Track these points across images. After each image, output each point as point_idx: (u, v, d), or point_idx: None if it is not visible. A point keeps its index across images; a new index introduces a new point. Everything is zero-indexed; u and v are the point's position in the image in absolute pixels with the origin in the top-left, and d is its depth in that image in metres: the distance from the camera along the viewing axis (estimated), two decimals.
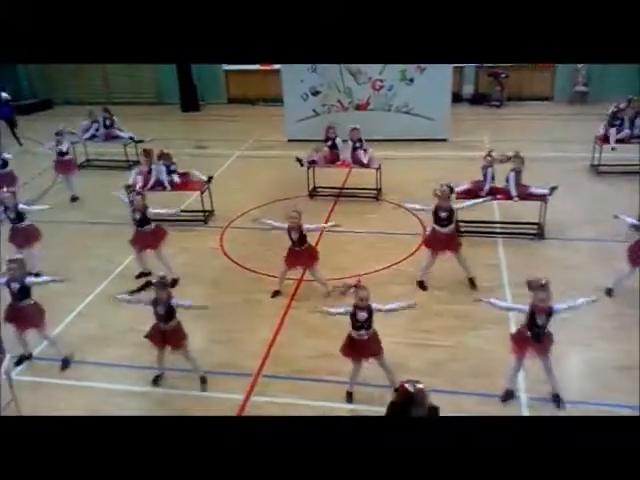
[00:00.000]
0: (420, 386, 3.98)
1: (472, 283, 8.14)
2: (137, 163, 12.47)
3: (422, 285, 8.23)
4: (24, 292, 6.73)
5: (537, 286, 5.61)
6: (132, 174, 10.91)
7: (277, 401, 6.33)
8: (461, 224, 9.56)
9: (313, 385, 6.51)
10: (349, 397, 6.29)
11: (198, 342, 7.23)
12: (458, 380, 6.44)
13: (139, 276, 8.73)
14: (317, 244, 9.13)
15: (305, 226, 7.88)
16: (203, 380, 6.58)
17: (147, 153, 10.76)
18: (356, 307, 5.93)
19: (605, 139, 11.69)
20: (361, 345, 6.07)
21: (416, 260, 8.82)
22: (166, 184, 10.52)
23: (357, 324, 5.98)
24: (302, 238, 7.94)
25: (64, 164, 11.95)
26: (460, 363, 6.70)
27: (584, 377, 6.53)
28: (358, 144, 11.12)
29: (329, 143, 11.35)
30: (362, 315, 5.92)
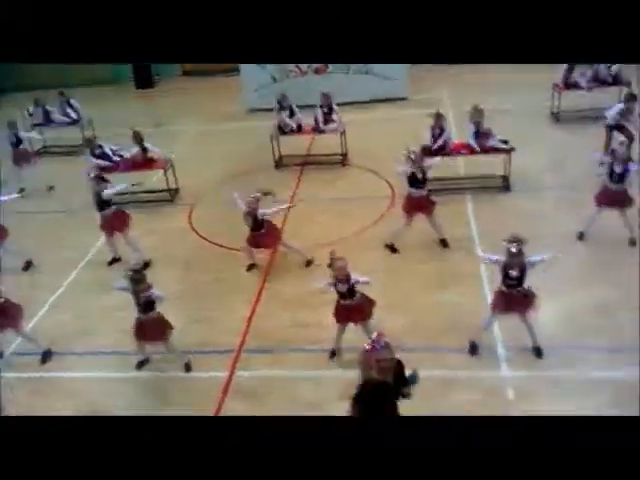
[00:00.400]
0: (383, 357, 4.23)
1: (444, 243, 8.24)
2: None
3: (393, 248, 8.30)
4: None
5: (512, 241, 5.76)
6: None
7: (260, 374, 6.39)
8: (428, 182, 9.61)
9: (295, 355, 6.58)
10: (332, 355, 6.43)
11: (176, 323, 7.18)
12: (435, 337, 6.57)
13: (111, 262, 8.62)
14: (287, 214, 9.09)
15: (260, 211, 7.81)
16: (187, 367, 6.57)
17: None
18: (336, 279, 6.00)
19: (568, 86, 11.71)
20: (349, 310, 6.18)
21: (386, 223, 8.86)
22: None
23: (341, 294, 6.08)
24: (258, 223, 7.87)
25: (21, 154, 11.57)
26: (436, 320, 6.82)
27: (560, 322, 6.70)
28: (327, 109, 11.00)
29: (287, 113, 11.18)
30: (342, 287, 6.02)
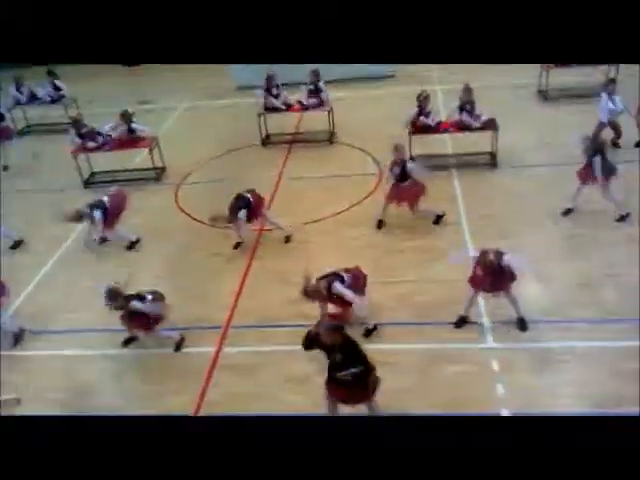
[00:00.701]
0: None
1: (437, 220, 8.22)
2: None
3: (380, 224, 8.31)
4: None
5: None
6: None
7: (249, 350, 6.42)
8: (416, 159, 9.62)
9: (283, 331, 6.60)
10: None
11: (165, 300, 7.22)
12: (423, 312, 6.62)
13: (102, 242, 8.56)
14: (275, 192, 9.08)
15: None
16: (177, 347, 6.56)
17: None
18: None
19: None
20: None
21: (374, 200, 8.86)
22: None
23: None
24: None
25: (3, 130, 11.43)
26: (424, 295, 6.87)
27: (544, 296, 6.76)
28: (314, 87, 10.91)
29: (275, 92, 11.09)
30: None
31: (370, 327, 6.36)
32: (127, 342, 6.68)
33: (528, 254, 7.12)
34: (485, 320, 6.41)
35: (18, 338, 6.92)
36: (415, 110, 9.43)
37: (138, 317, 6.30)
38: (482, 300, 6.51)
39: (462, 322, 6.35)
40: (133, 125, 10.27)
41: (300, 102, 11.04)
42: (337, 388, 5.02)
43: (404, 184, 7.96)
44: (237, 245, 8.22)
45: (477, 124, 9.34)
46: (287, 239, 8.15)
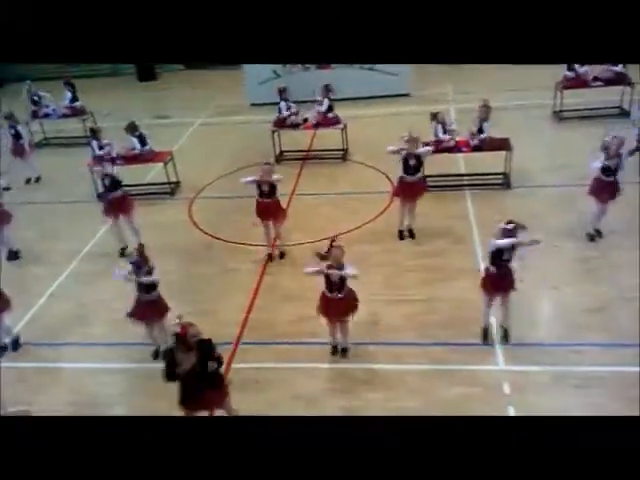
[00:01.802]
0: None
1: (411, 234, 8.38)
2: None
3: (402, 235, 8.42)
4: None
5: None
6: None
7: (258, 367, 6.40)
8: (428, 179, 9.61)
9: (293, 348, 6.59)
10: (334, 350, 6.44)
11: (176, 314, 7.22)
12: (431, 332, 6.58)
13: (122, 254, 8.54)
14: (287, 208, 9.10)
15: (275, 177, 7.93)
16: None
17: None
18: (330, 267, 5.87)
19: (577, 82, 11.65)
20: (335, 305, 6.07)
21: (386, 218, 8.87)
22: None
23: (330, 285, 5.98)
24: (272, 189, 7.99)
25: (20, 146, 11.42)
26: (433, 315, 6.83)
27: (555, 319, 6.72)
28: (326, 105, 10.95)
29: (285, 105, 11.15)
30: (335, 276, 5.87)
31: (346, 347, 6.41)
32: (156, 354, 6.62)
33: (541, 275, 7.10)
34: (497, 341, 6.36)
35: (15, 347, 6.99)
36: (438, 128, 9.43)
37: (151, 306, 6.39)
38: (494, 321, 6.47)
39: (486, 334, 6.35)
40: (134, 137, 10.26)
41: (311, 120, 11.09)
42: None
43: (413, 178, 8.04)
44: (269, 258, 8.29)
45: (476, 141, 9.36)
46: (282, 255, 8.23)
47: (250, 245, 8.47)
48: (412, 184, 8.10)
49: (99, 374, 6.61)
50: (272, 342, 6.70)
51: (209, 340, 5.03)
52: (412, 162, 7.95)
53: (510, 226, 5.81)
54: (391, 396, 4.98)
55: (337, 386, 6.04)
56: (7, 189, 10.83)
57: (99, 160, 9.21)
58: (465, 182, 9.80)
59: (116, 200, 8.51)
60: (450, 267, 7.59)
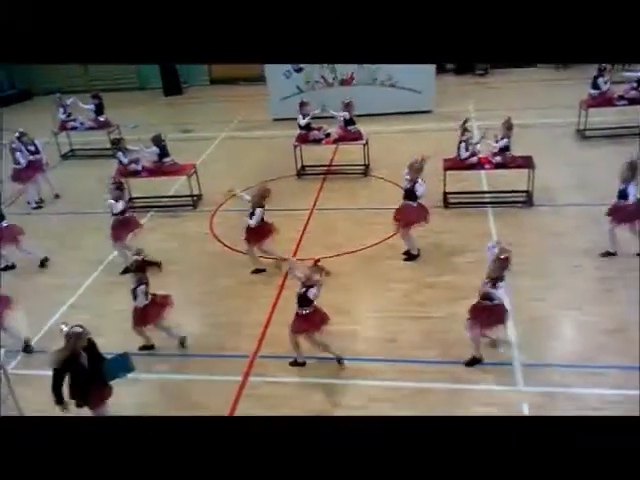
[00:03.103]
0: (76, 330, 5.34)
1: (410, 256, 8.33)
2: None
3: (409, 256, 8.35)
4: None
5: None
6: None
7: (274, 381, 6.39)
8: (450, 196, 9.58)
9: (309, 363, 6.56)
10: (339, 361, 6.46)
11: (194, 326, 7.27)
12: (449, 350, 6.51)
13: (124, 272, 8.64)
14: (307, 223, 9.13)
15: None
16: (182, 343, 6.95)
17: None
18: (304, 281, 6.13)
19: (602, 101, 11.56)
20: (308, 319, 6.23)
21: None
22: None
23: (304, 302, 6.18)
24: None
25: (35, 165, 11.16)
26: (452, 333, 6.75)
27: (575, 340, 6.61)
28: (346, 119, 11.01)
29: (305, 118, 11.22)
30: (313, 292, 6.11)
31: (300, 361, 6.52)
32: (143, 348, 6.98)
33: (562, 295, 7.00)
34: (516, 362, 6.28)
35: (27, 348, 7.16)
36: (462, 147, 9.42)
37: (151, 309, 6.68)
38: (514, 340, 6.39)
39: (475, 362, 6.29)
40: (152, 149, 10.43)
41: (334, 135, 11.15)
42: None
43: (412, 203, 8.07)
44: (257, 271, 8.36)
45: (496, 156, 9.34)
46: (278, 267, 8.20)
47: (269, 258, 8.48)
48: (411, 209, 8.13)
49: (113, 384, 6.63)
50: (289, 356, 6.67)
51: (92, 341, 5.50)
52: (410, 188, 7.99)
53: (503, 256, 5.83)
54: (408, 414, 4.93)
55: (352, 402, 6.00)
56: (38, 207, 11.05)
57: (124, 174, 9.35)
58: (487, 199, 9.74)
59: (118, 222, 8.62)
60: (469, 284, 7.48)
